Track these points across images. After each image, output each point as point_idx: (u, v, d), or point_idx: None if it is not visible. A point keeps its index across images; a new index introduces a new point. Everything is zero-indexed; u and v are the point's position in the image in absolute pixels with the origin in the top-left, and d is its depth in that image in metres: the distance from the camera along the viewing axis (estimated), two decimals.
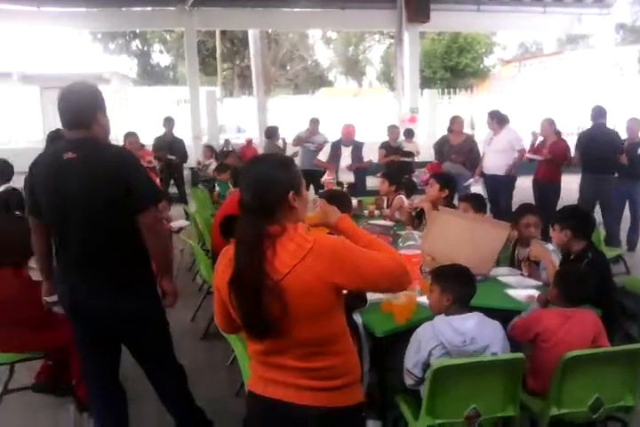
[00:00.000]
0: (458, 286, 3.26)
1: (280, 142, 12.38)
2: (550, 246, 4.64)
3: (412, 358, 3.17)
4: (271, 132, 12.18)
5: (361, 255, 2.13)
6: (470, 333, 3.09)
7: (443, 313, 3.23)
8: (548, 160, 8.68)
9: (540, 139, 9.13)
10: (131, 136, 9.53)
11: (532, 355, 3.33)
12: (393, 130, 11.85)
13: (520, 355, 2.98)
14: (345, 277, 2.08)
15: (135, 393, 3.81)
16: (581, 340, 3.27)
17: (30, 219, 3.42)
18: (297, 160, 10.23)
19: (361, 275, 2.09)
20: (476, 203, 5.45)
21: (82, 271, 3.21)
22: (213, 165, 11.50)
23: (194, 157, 13.93)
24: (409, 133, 12.82)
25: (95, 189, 3.06)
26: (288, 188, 2.15)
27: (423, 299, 3.70)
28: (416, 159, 12.02)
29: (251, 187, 2.16)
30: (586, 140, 8.68)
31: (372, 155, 8.97)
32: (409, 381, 3.19)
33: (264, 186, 2.14)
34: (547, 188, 8.77)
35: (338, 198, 3.97)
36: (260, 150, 12.90)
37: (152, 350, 3.46)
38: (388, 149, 11.41)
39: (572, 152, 8.92)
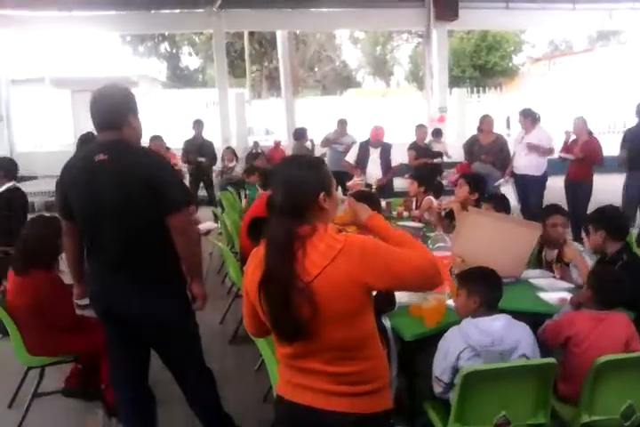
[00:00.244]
0: (484, 289, 3.22)
1: (308, 144, 12.38)
2: (580, 247, 4.59)
3: (440, 365, 3.13)
4: (299, 134, 12.19)
5: (392, 254, 2.10)
6: (498, 333, 3.05)
7: (470, 316, 3.20)
8: (580, 160, 8.58)
9: (573, 137, 9.01)
10: (155, 140, 9.47)
11: (563, 360, 3.28)
12: (421, 129, 11.72)
13: (552, 360, 2.93)
14: (376, 276, 2.06)
15: (164, 397, 3.83)
16: (614, 344, 3.21)
17: (63, 222, 3.46)
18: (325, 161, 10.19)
19: (392, 274, 2.07)
20: (499, 203, 5.40)
21: (113, 274, 3.23)
22: (238, 167, 11.55)
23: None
24: (437, 133, 12.68)
25: (126, 191, 3.08)
26: (319, 189, 2.15)
27: (453, 302, 3.66)
28: (445, 159, 11.94)
29: (281, 188, 2.15)
30: (632, 137, 8.52)
31: (400, 156, 8.92)
32: (437, 388, 3.16)
33: (295, 187, 2.13)
34: (578, 187, 8.68)
35: (366, 199, 3.93)
36: (289, 152, 12.92)
37: (181, 353, 3.45)
38: (418, 150, 11.28)
39: (604, 151, 8.80)
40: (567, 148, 8.93)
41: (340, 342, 2.10)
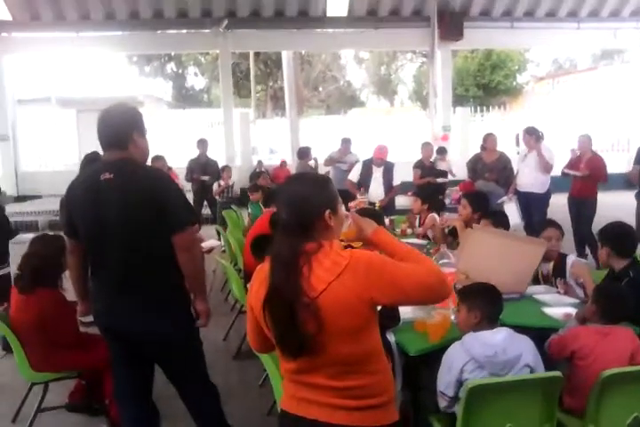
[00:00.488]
0: (485, 304, 3.23)
1: (312, 163, 12.42)
2: (583, 261, 4.63)
3: (444, 379, 3.13)
4: (303, 153, 12.20)
5: (397, 269, 2.09)
6: (500, 345, 3.06)
7: (471, 331, 3.20)
8: (586, 176, 8.63)
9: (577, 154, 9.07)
10: (157, 160, 9.38)
11: (568, 373, 3.27)
12: (427, 147, 11.75)
13: (557, 373, 2.93)
14: (382, 291, 2.05)
15: (168, 412, 3.84)
16: (619, 357, 3.21)
17: (67, 240, 3.48)
18: None
19: (398, 289, 2.06)
20: (497, 220, 5.43)
21: (117, 292, 3.24)
22: (236, 185, 11.63)
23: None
24: (442, 151, 12.76)
25: (132, 209, 3.09)
26: (325, 206, 2.15)
27: None
28: (450, 177, 11.95)
29: (287, 205, 2.17)
30: None
31: (403, 175, 8.91)
32: (442, 403, 3.15)
33: (301, 204, 2.14)
34: (583, 204, 8.72)
35: (371, 216, 3.95)
36: (293, 171, 12.95)
37: (185, 369, 3.45)
38: (423, 168, 11.32)
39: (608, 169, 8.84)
40: (572, 164, 8.96)
41: (345, 356, 2.09)
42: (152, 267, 3.20)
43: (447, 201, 11.08)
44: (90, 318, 3.54)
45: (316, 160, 12.60)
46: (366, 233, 2.36)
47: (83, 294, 3.57)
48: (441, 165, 11.99)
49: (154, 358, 3.44)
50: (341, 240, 2.37)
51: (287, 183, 2.29)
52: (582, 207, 8.72)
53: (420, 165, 11.37)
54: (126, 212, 3.09)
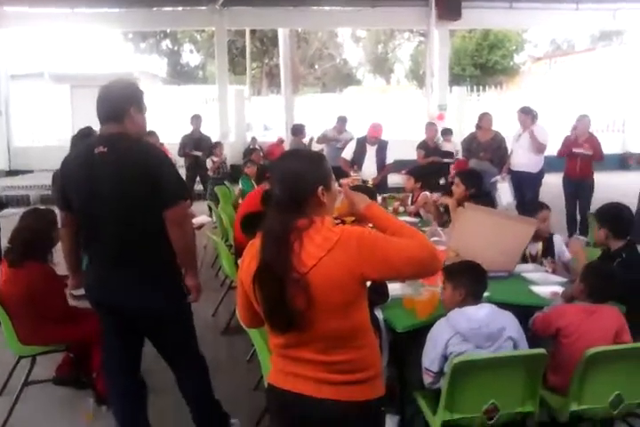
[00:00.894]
0: (469, 281, 3.25)
1: (306, 140, 12.36)
2: (559, 237, 4.72)
3: (429, 356, 3.15)
4: (297, 130, 12.16)
5: (388, 244, 2.10)
6: (484, 319, 3.08)
7: (456, 308, 3.22)
8: (587, 156, 8.74)
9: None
10: (150, 135, 9.02)
11: (552, 351, 3.29)
12: (430, 127, 11.43)
13: (541, 350, 2.95)
14: (373, 267, 2.06)
15: (157, 386, 3.90)
16: (603, 335, 3.24)
17: (60, 213, 3.52)
18: None
19: (389, 264, 2.07)
20: (466, 177, 5.72)
21: (110, 266, 3.26)
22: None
23: None
24: (447, 132, 12.24)
25: (125, 183, 3.10)
26: (318, 183, 2.15)
27: None
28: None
29: (281, 181, 2.16)
30: None
31: (396, 153, 8.88)
32: (427, 379, 3.17)
33: (294, 180, 2.14)
34: (581, 184, 8.82)
35: (363, 192, 3.96)
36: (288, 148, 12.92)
37: (176, 342, 3.47)
38: (427, 149, 11.05)
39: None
40: (568, 144, 8.95)
41: (334, 331, 2.10)
42: (145, 241, 3.20)
43: (442, 181, 10.90)
44: (81, 292, 3.56)
45: (312, 139, 12.53)
46: (359, 208, 2.36)
47: (74, 267, 3.59)
48: (445, 146, 11.58)
49: (145, 331, 3.45)
50: (335, 217, 2.37)
51: (281, 159, 2.29)
52: (581, 187, 8.82)
53: (423, 146, 11.15)
54: (120, 186, 3.10)
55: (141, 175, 3.10)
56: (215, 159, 11.11)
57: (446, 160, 10.98)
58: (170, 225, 3.15)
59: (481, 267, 3.38)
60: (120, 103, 3.22)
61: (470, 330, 3.06)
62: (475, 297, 3.23)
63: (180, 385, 3.59)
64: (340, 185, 6.22)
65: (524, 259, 4.70)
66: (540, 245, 4.70)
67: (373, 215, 2.33)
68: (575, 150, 8.86)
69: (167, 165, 3.24)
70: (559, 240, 4.78)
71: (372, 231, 2.17)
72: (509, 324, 3.14)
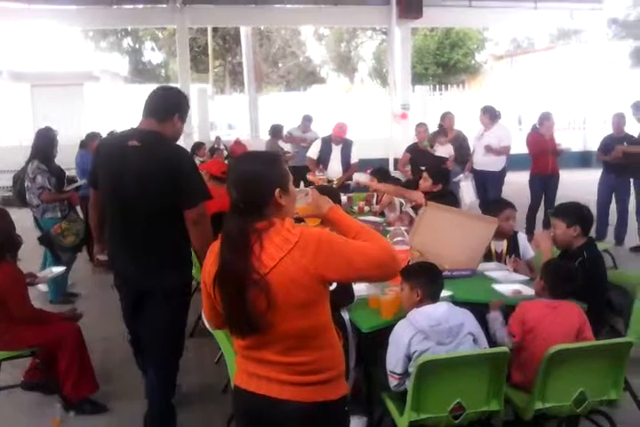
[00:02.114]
0: (425, 282, 3.28)
1: (281, 142, 12.22)
2: (522, 235, 4.79)
3: (393, 357, 3.17)
4: (276, 131, 11.92)
5: (347, 246, 2.11)
6: (443, 316, 3.12)
7: (414, 308, 3.26)
8: (554, 153, 8.94)
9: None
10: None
11: (515, 347, 3.35)
12: (420, 128, 9.58)
13: (504, 349, 2.99)
14: (331, 268, 2.07)
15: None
16: (566, 331, 3.30)
17: (91, 192, 3.78)
18: None
19: (348, 266, 2.08)
20: (435, 173, 5.80)
21: (127, 244, 3.52)
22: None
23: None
24: (440, 133, 9.81)
25: (148, 177, 3.32)
26: (274, 185, 2.15)
27: None
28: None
29: (237, 184, 2.16)
30: None
31: (361, 153, 8.91)
32: (393, 382, 3.19)
33: (250, 183, 2.14)
34: (550, 180, 9.01)
35: (327, 194, 3.98)
36: (251, 147, 12.86)
37: (163, 320, 3.55)
38: (416, 153, 9.25)
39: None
40: (546, 142, 9.09)
41: (294, 332, 2.11)
42: (161, 230, 3.42)
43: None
44: (105, 257, 3.83)
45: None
46: (322, 210, 2.38)
47: (99, 237, 3.86)
48: (439, 150, 9.36)
49: (154, 309, 3.57)
50: (297, 218, 2.38)
51: (237, 162, 2.28)
52: (550, 184, 8.99)
53: (411, 149, 9.48)
54: (144, 180, 3.33)
55: (165, 173, 3.31)
56: (200, 159, 11.01)
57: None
58: (189, 224, 3.39)
59: (436, 267, 3.43)
60: (170, 106, 3.51)
61: (430, 327, 3.09)
62: (432, 297, 3.27)
63: (151, 363, 3.73)
64: (307, 184, 6.24)
65: (490, 257, 4.74)
66: (504, 243, 4.74)
67: (335, 218, 2.36)
68: (561, 147, 9.03)
69: (191, 168, 3.44)
70: (523, 238, 4.84)
71: (330, 233, 2.17)
72: (467, 320, 3.18)
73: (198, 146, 11.54)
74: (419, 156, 9.01)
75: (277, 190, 2.15)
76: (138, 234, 3.45)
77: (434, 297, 3.28)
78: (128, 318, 3.79)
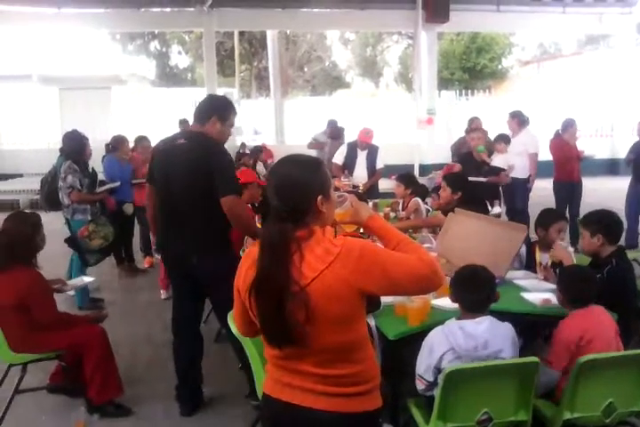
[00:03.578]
0: (464, 294, 3.24)
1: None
2: (570, 248, 4.64)
3: (424, 363, 3.14)
4: (336, 133, 11.69)
5: (389, 259, 2.06)
6: (482, 337, 3.06)
7: (454, 318, 3.22)
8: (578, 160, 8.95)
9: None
10: (143, 141, 8.85)
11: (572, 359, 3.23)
12: (473, 135, 8.32)
13: (534, 358, 2.96)
14: (373, 281, 2.02)
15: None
16: (609, 335, 3.27)
17: (148, 186, 4.35)
18: None
19: (389, 279, 2.03)
20: (452, 181, 5.79)
21: (176, 232, 4.07)
22: None
23: None
24: (501, 139, 8.52)
25: (190, 171, 3.89)
26: (317, 192, 2.11)
27: (438, 302, 3.69)
28: (436, 160, 11.39)
29: (279, 190, 2.11)
30: None
31: (387, 158, 8.87)
32: (420, 386, 3.17)
33: (292, 190, 2.09)
34: (577, 188, 8.98)
35: None
36: (277, 153, 12.87)
37: (222, 299, 3.67)
38: (467, 163, 8.03)
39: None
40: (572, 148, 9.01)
41: (332, 345, 2.07)
42: (207, 218, 3.93)
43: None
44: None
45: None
46: (362, 218, 2.34)
47: (154, 229, 4.52)
48: (496, 160, 8.13)
49: (206, 289, 4.19)
50: (333, 224, 2.35)
51: (278, 166, 2.20)
52: (575, 192, 8.94)
53: (463, 158, 8.42)
54: (187, 171, 3.90)
55: (203, 167, 3.85)
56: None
57: (489, 180, 7.77)
58: (225, 210, 3.84)
59: (479, 277, 3.31)
60: (209, 109, 4.05)
61: (466, 351, 3.04)
62: (472, 310, 3.19)
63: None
64: (336, 189, 6.31)
65: (533, 268, 4.65)
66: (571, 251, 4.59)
67: (375, 227, 2.33)
68: (585, 154, 8.98)
69: (224, 165, 3.93)
70: (570, 252, 4.71)
71: (373, 245, 2.12)
72: (506, 343, 3.10)
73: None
74: (471, 167, 7.66)
75: (320, 197, 2.11)
76: (183, 219, 3.98)
77: (475, 310, 3.18)
78: (179, 297, 4.36)
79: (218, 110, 4.05)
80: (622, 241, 4.38)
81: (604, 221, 4.14)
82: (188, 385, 4.31)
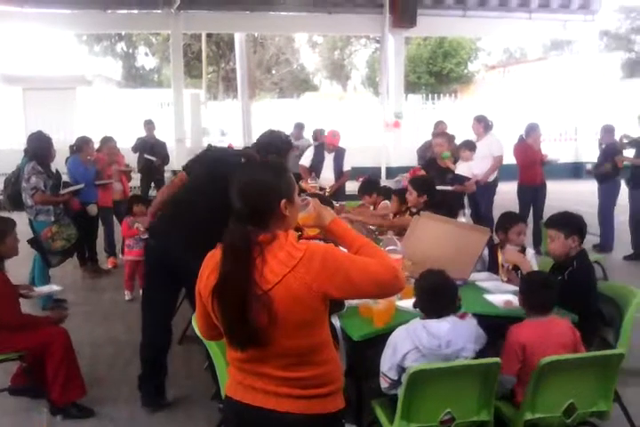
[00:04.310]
0: (425, 304, 3.28)
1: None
2: (531, 251, 4.70)
3: (388, 362, 3.16)
4: (299, 134, 11.82)
5: (352, 263, 2.07)
6: (446, 336, 3.09)
7: (418, 317, 3.25)
8: (541, 163, 9.06)
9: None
10: (109, 141, 8.92)
11: (520, 366, 3.27)
12: (437, 140, 7.88)
13: (496, 360, 3.00)
14: (335, 286, 2.03)
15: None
16: (563, 348, 3.26)
17: (181, 174, 4.37)
18: None
19: (352, 284, 2.04)
20: (417, 184, 5.79)
21: (174, 227, 4.06)
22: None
23: (176, 160, 13.92)
24: (466, 147, 8.37)
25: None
26: (281, 196, 2.11)
27: (402, 303, 3.71)
28: (403, 163, 11.41)
29: (242, 194, 2.11)
30: None
31: (353, 161, 8.91)
32: (384, 384, 3.20)
33: (256, 194, 2.09)
34: (540, 191, 9.07)
35: (322, 203, 4.02)
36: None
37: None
38: (431, 169, 7.61)
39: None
40: (536, 153, 9.13)
41: (294, 349, 2.08)
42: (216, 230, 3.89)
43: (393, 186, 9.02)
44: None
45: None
46: (325, 222, 2.34)
47: (154, 214, 4.48)
48: (460, 168, 7.85)
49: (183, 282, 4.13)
50: (298, 227, 2.35)
51: (242, 171, 2.20)
52: (540, 194, 9.07)
53: (429, 165, 7.92)
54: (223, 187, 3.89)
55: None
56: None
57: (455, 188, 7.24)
58: None
59: (440, 283, 3.34)
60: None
61: (429, 349, 3.06)
62: (432, 314, 3.22)
63: None
64: (302, 192, 6.38)
65: (495, 270, 4.69)
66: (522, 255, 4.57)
67: (338, 231, 2.32)
68: (548, 158, 9.11)
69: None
70: (531, 254, 4.72)
71: (335, 249, 2.12)
72: (468, 342, 3.13)
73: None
74: (435, 173, 7.25)
75: (283, 202, 2.11)
76: (198, 224, 3.88)
77: (435, 314, 3.21)
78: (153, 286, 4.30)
79: (272, 147, 4.26)
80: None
81: (579, 223, 4.15)
82: (153, 374, 4.30)
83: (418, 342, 3.08)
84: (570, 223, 4.12)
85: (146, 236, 6.37)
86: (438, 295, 3.27)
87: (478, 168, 8.61)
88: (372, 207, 7.06)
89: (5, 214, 4.88)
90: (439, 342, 3.08)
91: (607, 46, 33.87)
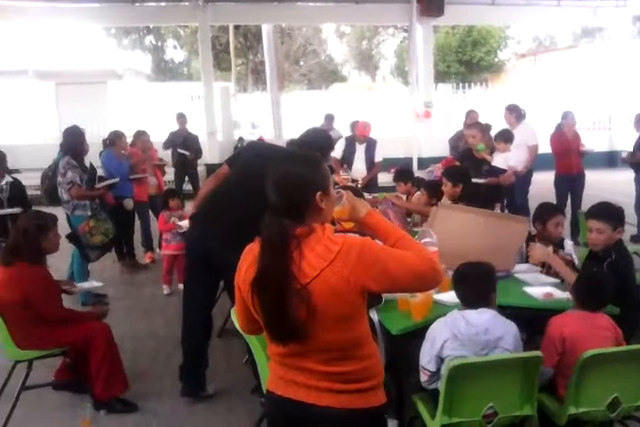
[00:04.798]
0: (460, 289, 3.29)
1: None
2: (569, 242, 4.64)
3: (427, 354, 3.16)
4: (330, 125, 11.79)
5: (389, 256, 2.06)
6: (484, 325, 3.08)
7: (456, 308, 3.25)
8: (578, 152, 9.00)
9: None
10: (142, 135, 8.97)
11: (561, 358, 3.25)
12: (469, 132, 7.54)
13: (537, 353, 2.97)
14: (373, 279, 2.02)
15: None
16: (605, 342, 3.22)
17: (224, 166, 4.45)
18: None
19: (389, 277, 2.04)
20: (451, 174, 5.75)
21: (213, 220, 4.12)
22: None
23: (208, 153, 13.94)
24: (501, 138, 7.71)
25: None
26: (316, 188, 2.10)
27: (440, 296, 3.69)
28: (434, 153, 11.28)
29: (278, 187, 2.11)
30: None
31: (385, 152, 8.87)
32: (423, 377, 3.19)
33: (292, 187, 2.09)
34: (578, 181, 9.00)
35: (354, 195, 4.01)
36: None
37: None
38: (467, 160, 7.33)
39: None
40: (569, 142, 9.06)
41: (335, 343, 2.08)
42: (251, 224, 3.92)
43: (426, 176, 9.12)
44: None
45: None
46: (360, 215, 2.31)
47: (196, 205, 4.48)
48: (496, 160, 7.43)
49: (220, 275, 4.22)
50: (332, 221, 2.34)
51: (278, 163, 2.20)
52: (577, 184, 8.99)
53: (464, 156, 7.64)
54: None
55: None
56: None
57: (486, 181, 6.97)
58: None
59: (476, 271, 3.32)
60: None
61: (467, 336, 3.06)
62: (470, 303, 3.22)
63: None
64: (334, 184, 6.40)
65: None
66: (550, 250, 4.45)
67: (374, 224, 2.30)
68: (584, 148, 9.01)
69: None
70: (569, 245, 4.68)
71: (373, 242, 2.11)
72: (508, 334, 3.11)
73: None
74: (471, 165, 7.01)
75: (319, 194, 2.10)
76: (237, 217, 3.86)
77: (474, 303, 3.20)
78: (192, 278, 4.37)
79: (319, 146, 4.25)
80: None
81: (622, 214, 4.06)
82: (194, 364, 4.34)
83: (456, 330, 3.08)
84: (615, 215, 4.02)
85: (183, 230, 6.45)
86: (480, 284, 3.26)
87: (514, 159, 8.48)
88: (404, 197, 7.02)
89: (44, 209, 4.93)
90: (477, 330, 3.06)
91: None
